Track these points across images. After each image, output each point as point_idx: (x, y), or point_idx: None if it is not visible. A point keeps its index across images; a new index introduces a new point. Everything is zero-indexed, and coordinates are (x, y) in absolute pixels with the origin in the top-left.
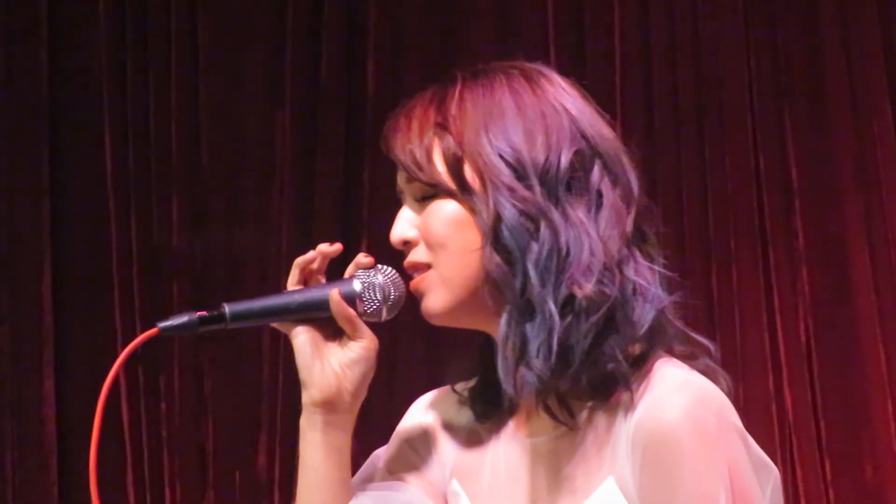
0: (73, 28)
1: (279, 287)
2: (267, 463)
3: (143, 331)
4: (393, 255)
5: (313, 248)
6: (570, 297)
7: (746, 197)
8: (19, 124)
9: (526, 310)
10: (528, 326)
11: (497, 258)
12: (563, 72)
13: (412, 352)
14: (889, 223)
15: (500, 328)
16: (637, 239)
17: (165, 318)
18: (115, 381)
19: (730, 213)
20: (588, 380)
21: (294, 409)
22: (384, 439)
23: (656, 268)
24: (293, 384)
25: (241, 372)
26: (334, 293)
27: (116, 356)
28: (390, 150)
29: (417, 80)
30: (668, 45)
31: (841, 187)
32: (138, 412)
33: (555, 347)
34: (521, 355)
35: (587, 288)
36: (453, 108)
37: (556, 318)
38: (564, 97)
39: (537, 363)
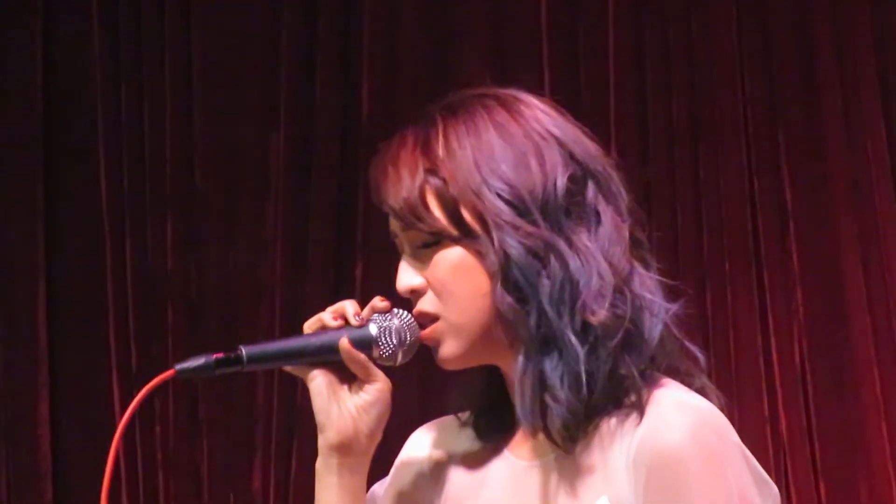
0: (67, 51)
1: (273, 310)
2: (262, 486)
3: (137, 355)
4: (391, 281)
5: (308, 270)
6: (586, 325)
7: (741, 219)
8: (14, 147)
9: (543, 344)
10: (547, 360)
11: (509, 298)
12: (558, 96)
13: (406, 385)
14: (883, 245)
15: (516, 364)
16: (634, 247)
17: (183, 360)
18: (111, 403)
19: (724, 236)
20: (601, 402)
21: (288, 432)
22: (377, 467)
23: (655, 276)
24: (288, 408)
25: (235, 395)
26: (343, 341)
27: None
28: (382, 201)
29: (411, 103)
30: (662, 67)
31: (835, 209)
32: (133, 435)
33: (583, 377)
34: (543, 388)
35: (601, 314)
36: (440, 151)
37: (578, 347)
38: (546, 120)
39: (563, 394)
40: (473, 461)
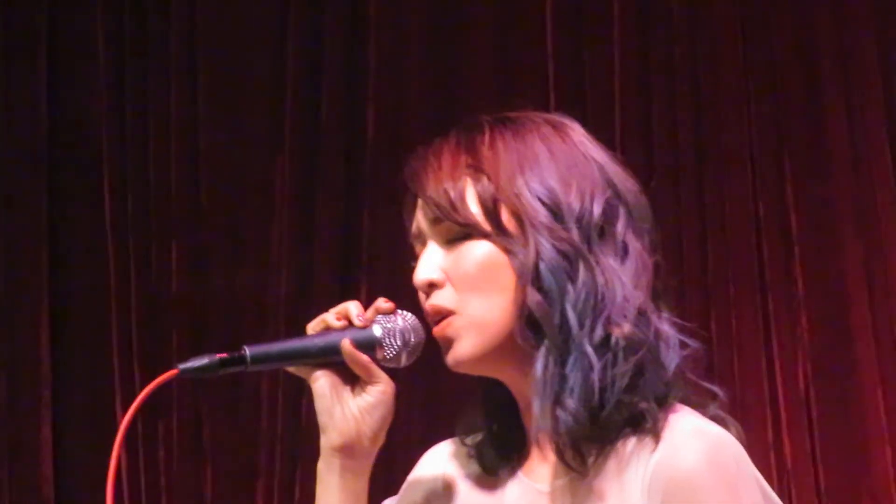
0: (72, 73)
1: (278, 332)
2: None
3: (141, 377)
4: (396, 298)
5: (313, 293)
6: (606, 339)
7: (746, 243)
8: (18, 169)
9: (563, 350)
10: (566, 367)
11: (538, 297)
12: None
13: (410, 401)
14: (889, 270)
15: (534, 370)
16: (654, 293)
17: (185, 360)
18: (115, 426)
19: (729, 259)
20: (613, 421)
21: (292, 457)
22: (380, 482)
23: (673, 318)
24: (292, 432)
25: (239, 420)
26: (345, 342)
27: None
28: (421, 189)
29: (417, 126)
30: (667, 90)
31: (841, 234)
32: (136, 459)
33: (595, 388)
34: (559, 395)
35: (626, 328)
36: (485, 151)
37: (595, 358)
38: (589, 147)
39: (572, 403)
40: (487, 483)
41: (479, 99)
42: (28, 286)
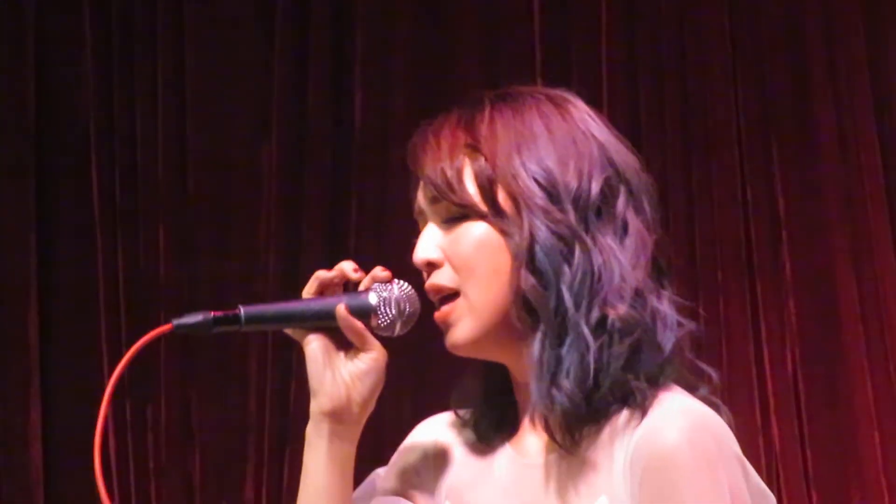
0: (60, 60)
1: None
2: (254, 495)
3: (130, 362)
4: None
5: (300, 279)
6: (602, 320)
7: (733, 228)
8: (5, 155)
9: (559, 332)
10: (561, 348)
11: (532, 279)
12: None
13: (399, 376)
14: (876, 255)
15: (531, 352)
16: (655, 269)
17: (180, 316)
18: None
19: (717, 245)
20: (607, 401)
21: (280, 441)
22: (367, 455)
23: (673, 297)
24: (280, 416)
25: (228, 404)
26: (340, 307)
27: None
28: (419, 168)
29: (405, 112)
30: (654, 76)
31: (828, 218)
32: (125, 443)
33: (590, 369)
34: (556, 376)
35: (621, 309)
36: (484, 130)
37: (591, 339)
38: (591, 123)
39: (567, 384)
40: (477, 454)
41: (465, 85)
42: (16, 273)
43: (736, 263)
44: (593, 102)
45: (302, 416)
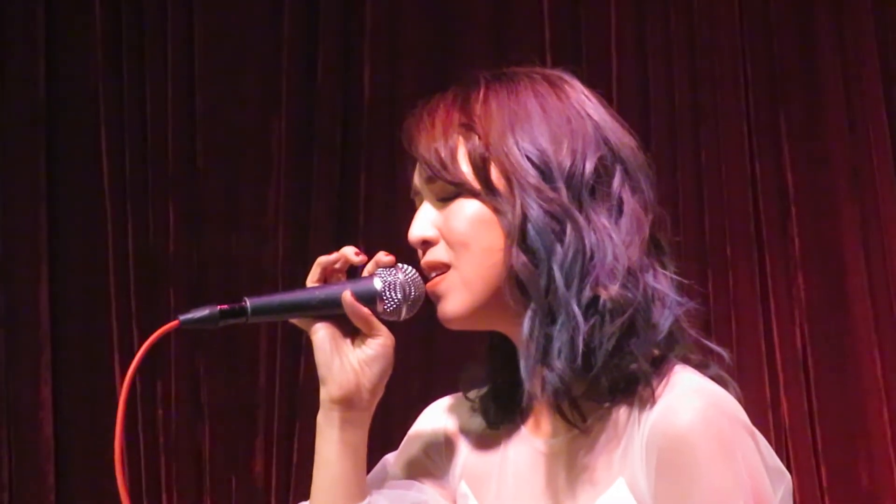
0: (69, 34)
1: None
2: (263, 470)
3: (139, 337)
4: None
5: (309, 254)
6: (594, 300)
7: (743, 203)
8: (16, 130)
9: (550, 311)
10: (552, 327)
11: (523, 258)
12: None
13: (407, 359)
14: (885, 229)
15: (522, 329)
16: (653, 247)
17: (186, 311)
18: (113, 385)
19: (726, 220)
20: (606, 382)
21: (290, 415)
22: (378, 440)
23: (672, 276)
24: (290, 391)
25: (237, 379)
26: (346, 294)
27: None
28: (414, 148)
29: (414, 87)
30: (663, 52)
31: (837, 194)
32: (135, 418)
33: (580, 349)
34: (545, 355)
35: (612, 290)
36: (478, 109)
37: (581, 319)
38: (587, 103)
39: (559, 364)
40: (490, 437)
41: (474, 59)
42: (27, 247)
43: (745, 239)
44: (603, 80)
45: (311, 391)
